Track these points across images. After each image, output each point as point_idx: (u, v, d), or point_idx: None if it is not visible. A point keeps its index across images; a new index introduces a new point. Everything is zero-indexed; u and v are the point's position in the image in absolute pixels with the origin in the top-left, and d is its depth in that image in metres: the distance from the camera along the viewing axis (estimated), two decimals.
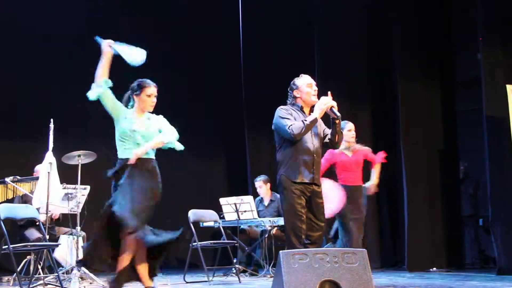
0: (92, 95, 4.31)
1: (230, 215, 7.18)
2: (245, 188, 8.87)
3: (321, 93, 8.33)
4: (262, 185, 7.66)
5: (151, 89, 4.36)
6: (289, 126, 4.36)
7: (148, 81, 4.40)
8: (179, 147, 4.43)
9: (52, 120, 5.83)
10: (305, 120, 4.38)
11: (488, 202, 6.87)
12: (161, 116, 4.50)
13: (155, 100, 4.38)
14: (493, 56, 6.96)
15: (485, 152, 6.94)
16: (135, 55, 4.31)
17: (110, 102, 4.33)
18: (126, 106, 4.43)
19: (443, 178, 7.83)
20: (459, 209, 8.10)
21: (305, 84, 4.58)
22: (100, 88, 4.29)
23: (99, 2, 8.70)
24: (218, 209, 7.20)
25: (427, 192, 7.72)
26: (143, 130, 4.31)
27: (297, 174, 4.39)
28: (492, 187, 6.83)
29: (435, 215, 7.73)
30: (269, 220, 7.04)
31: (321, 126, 4.60)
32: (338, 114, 4.42)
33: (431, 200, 7.73)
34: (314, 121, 4.39)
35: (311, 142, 4.46)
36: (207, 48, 9.45)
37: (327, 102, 4.41)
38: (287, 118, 4.43)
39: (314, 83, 4.60)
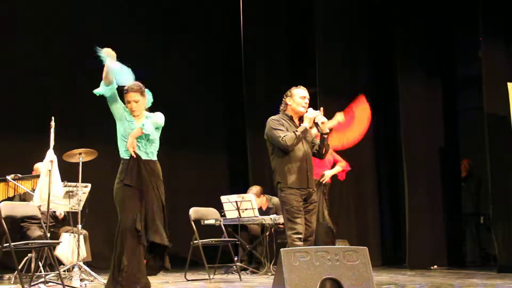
0: (96, 91, 4.41)
1: (231, 213, 7.19)
2: (246, 186, 8.87)
3: (322, 93, 8.36)
4: (256, 199, 7.52)
5: (129, 95, 4.33)
6: (282, 138, 4.59)
7: (129, 86, 4.34)
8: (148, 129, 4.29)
9: (53, 118, 5.83)
10: (296, 131, 4.62)
11: (489, 200, 6.88)
12: (158, 113, 4.45)
13: (134, 105, 4.33)
14: (493, 54, 6.96)
15: (486, 150, 6.94)
16: (124, 76, 4.27)
17: (112, 104, 4.39)
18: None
19: (444, 176, 7.83)
20: (459, 207, 8.10)
21: (299, 95, 4.79)
22: (101, 89, 4.37)
23: (100, 1, 8.70)
24: (219, 207, 7.20)
25: (428, 190, 7.72)
26: (141, 125, 4.29)
27: (292, 181, 4.59)
28: (493, 185, 6.83)
29: (436, 213, 7.73)
30: (270, 218, 7.05)
31: (311, 134, 4.82)
32: (327, 130, 4.73)
33: (432, 198, 7.73)
34: (305, 131, 4.65)
35: (303, 149, 4.67)
36: (208, 48, 9.45)
37: (315, 113, 4.67)
38: (279, 129, 4.66)
39: (307, 97, 4.82)
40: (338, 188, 8.05)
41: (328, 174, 6.36)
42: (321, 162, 6.01)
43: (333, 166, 6.69)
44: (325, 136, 4.70)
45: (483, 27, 7.01)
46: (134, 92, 4.33)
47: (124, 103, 4.39)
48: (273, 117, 4.77)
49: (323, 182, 6.28)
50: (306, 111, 4.70)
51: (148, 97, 4.42)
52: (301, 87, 4.82)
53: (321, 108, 4.71)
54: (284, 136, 4.57)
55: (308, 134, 4.74)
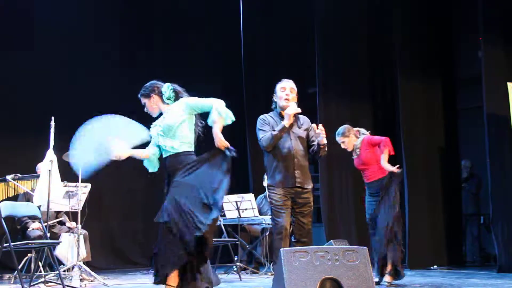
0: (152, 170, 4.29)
1: (231, 213, 7.18)
2: (246, 186, 8.87)
3: (322, 93, 8.34)
4: None
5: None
6: (260, 139, 4.57)
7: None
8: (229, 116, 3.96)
9: (53, 118, 5.83)
10: (274, 131, 4.54)
11: (489, 200, 6.88)
12: (182, 99, 4.20)
13: (146, 110, 4.26)
14: (493, 54, 6.96)
15: (485, 150, 6.94)
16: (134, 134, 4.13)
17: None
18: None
19: (444, 176, 7.83)
20: (460, 207, 8.10)
21: (279, 88, 4.71)
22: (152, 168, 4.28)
23: (100, 2, 8.70)
24: None
25: (428, 190, 7.73)
26: (157, 127, 4.14)
27: (278, 181, 4.54)
28: (493, 185, 6.83)
29: (436, 213, 7.74)
30: (270, 218, 7.05)
31: (305, 131, 4.66)
32: (325, 142, 4.54)
33: (432, 198, 7.74)
34: (283, 129, 4.53)
35: (291, 146, 4.57)
36: (207, 47, 9.44)
37: (295, 109, 4.54)
38: (262, 129, 4.62)
39: (288, 87, 4.67)
40: (338, 188, 8.06)
41: (386, 166, 5.50)
42: (361, 164, 5.67)
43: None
44: (322, 146, 4.56)
45: (483, 27, 7.01)
46: (141, 97, 4.26)
47: None
48: (262, 116, 4.73)
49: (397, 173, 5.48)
50: (289, 105, 4.57)
51: (162, 90, 4.21)
52: (283, 79, 4.73)
53: (320, 125, 4.54)
54: (262, 136, 4.55)
55: (301, 129, 4.62)
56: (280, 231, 4.45)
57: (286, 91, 4.65)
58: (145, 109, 4.28)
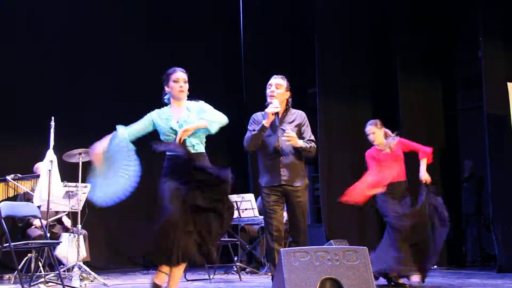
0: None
1: None
2: (246, 186, 8.86)
3: (322, 92, 8.32)
4: None
5: (177, 74, 4.17)
6: (244, 140, 4.51)
7: (175, 67, 4.23)
8: (213, 129, 4.11)
9: (53, 118, 5.83)
10: (254, 130, 4.47)
11: (489, 200, 6.88)
12: (201, 102, 4.26)
13: (183, 84, 4.16)
14: (493, 54, 6.97)
15: (486, 149, 6.94)
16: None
17: (142, 129, 4.17)
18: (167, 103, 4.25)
19: (444, 176, 7.83)
20: (460, 207, 8.09)
21: (267, 85, 4.60)
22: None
23: (100, 2, 8.70)
24: None
25: None
26: (182, 121, 4.11)
27: (265, 180, 4.49)
28: (493, 185, 6.83)
29: None
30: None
31: (296, 127, 4.52)
32: (301, 145, 4.42)
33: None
34: (262, 129, 4.43)
35: (277, 143, 4.47)
36: (207, 48, 9.44)
37: (273, 109, 4.41)
38: (248, 129, 4.57)
39: (274, 83, 4.54)
40: (338, 188, 8.05)
41: (425, 175, 5.59)
42: (392, 161, 5.66)
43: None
44: (300, 149, 4.44)
45: (483, 27, 7.02)
46: (183, 72, 4.21)
47: (165, 92, 4.23)
48: (254, 114, 4.67)
49: (427, 183, 5.58)
50: (272, 101, 4.45)
51: None
52: (273, 76, 4.60)
53: (292, 134, 4.40)
54: (245, 137, 4.52)
55: (290, 126, 4.48)
56: (271, 232, 4.41)
57: (272, 88, 4.52)
58: (182, 84, 4.17)
